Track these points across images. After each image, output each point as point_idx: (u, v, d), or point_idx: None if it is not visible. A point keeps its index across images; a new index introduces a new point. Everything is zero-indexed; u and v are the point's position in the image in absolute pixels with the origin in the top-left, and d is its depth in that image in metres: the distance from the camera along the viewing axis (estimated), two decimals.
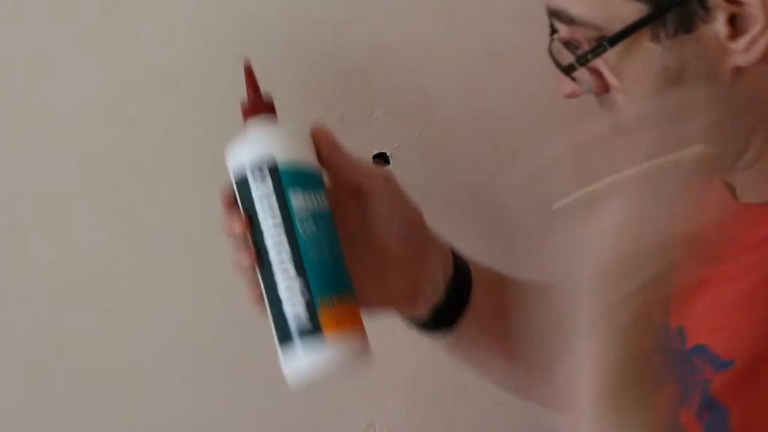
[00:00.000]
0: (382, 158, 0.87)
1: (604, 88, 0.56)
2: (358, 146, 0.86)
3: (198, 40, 0.80)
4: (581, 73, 0.56)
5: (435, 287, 0.71)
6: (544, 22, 0.84)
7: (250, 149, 0.63)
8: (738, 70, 0.51)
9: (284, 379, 0.64)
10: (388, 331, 0.96)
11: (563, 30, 0.56)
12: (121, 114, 0.82)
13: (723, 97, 0.52)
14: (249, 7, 0.80)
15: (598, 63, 0.54)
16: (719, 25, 0.49)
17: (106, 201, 0.84)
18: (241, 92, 0.83)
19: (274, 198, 0.60)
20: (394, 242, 0.68)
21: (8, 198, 0.83)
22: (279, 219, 0.60)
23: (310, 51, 0.82)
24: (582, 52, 0.53)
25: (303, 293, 0.59)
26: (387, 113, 0.85)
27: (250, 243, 0.61)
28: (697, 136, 0.54)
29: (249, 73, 0.67)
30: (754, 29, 0.49)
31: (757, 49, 0.49)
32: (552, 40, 0.57)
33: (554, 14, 0.55)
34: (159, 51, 0.80)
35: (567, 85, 0.58)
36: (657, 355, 0.61)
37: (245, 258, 0.61)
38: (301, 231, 0.60)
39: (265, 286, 0.61)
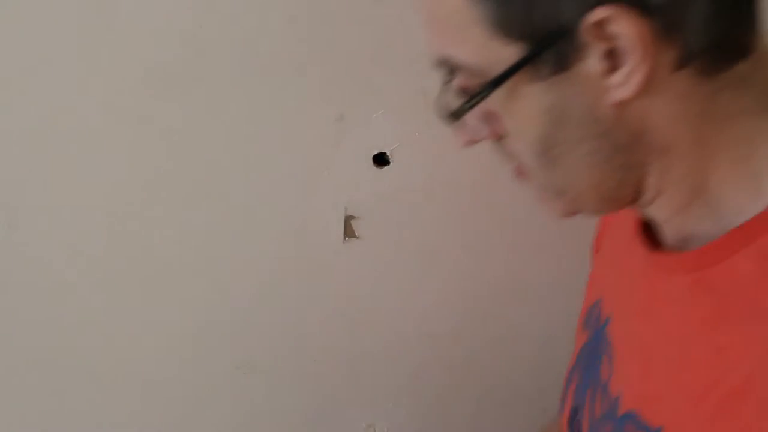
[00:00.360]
0: (382, 158, 0.87)
1: (496, 135, 0.56)
2: (358, 146, 0.86)
3: (198, 40, 0.80)
4: (475, 121, 0.56)
5: None
6: None
7: None
8: (619, 105, 0.50)
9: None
10: (388, 331, 0.96)
11: (456, 78, 0.56)
12: (120, 113, 0.82)
13: (607, 134, 0.51)
14: (249, 8, 0.80)
15: (490, 108, 0.54)
16: (594, 62, 0.48)
17: (106, 200, 0.84)
18: (240, 91, 0.83)
19: None
20: None
21: (8, 198, 0.83)
22: None
23: (310, 51, 0.82)
24: (467, 98, 0.53)
25: None
26: (387, 113, 0.85)
27: None
28: (578, 172, 0.53)
29: None
30: (630, 63, 0.48)
31: (633, 83, 0.48)
32: (444, 90, 0.57)
33: (441, 63, 0.55)
34: (159, 51, 0.80)
35: (463, 133, 0.58)
36: (604, 423, 0.60)
37: None
38: None
39: None
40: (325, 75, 0.83)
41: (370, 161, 0.87)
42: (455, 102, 0.54)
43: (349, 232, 0.89)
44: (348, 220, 0.89)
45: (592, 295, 0.72)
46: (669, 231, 0.57)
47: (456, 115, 0.54)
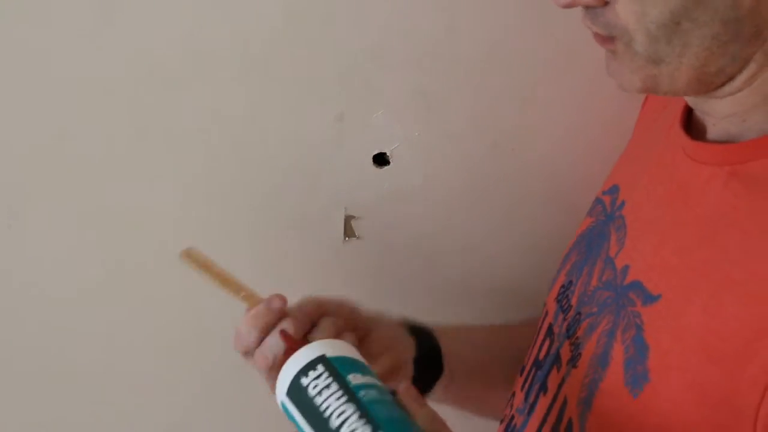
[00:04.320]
0: (382, 158, 0.87)
1: (602, 1, 0.56)
2: (358, 146, 0.86)
3: (198, 40, 0.80)
4: None
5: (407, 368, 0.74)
6: (544, 22, 0.84)
7: (297, 361, 0.60)
8: None
9: None
10: None
11: None
12: (119, 113, 0.82)
13: (736, 22, 0.53)
14: (249, 7, 0.80)
15: None
16: None
17: (106, 200, 0.84)
18: (240, 91, 0.83)
19: (334, 382, 0.57)
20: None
21: (8, 198, 0.83)
22: (345, 397, 0.56)
23: (310, 51, 0.82)
24: None
25: None
26: (387, 113, 0.85)
27: None
28: (691, 50, 0.55)
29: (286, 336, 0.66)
30: None
31: None
32: None
33: None
34: (158, 50, 0.80)
35: None
36: (603, 291, 0.64)
37: None
38: (365, 398, 0.56)
39: None
40: (325, 75, 0.83)
41: (370, 161, 0.87)
42: None
43: (349, 232, 0.89)
44: (348, 220, 0.89)
45: (607, 183, 0.76)
46: (720, 126, 0.60)
47: None
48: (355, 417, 0.55)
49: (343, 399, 0.56)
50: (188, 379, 0.93)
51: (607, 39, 0.58)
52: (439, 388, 0.77)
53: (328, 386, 0.57)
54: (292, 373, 0.60)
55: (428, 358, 0.75)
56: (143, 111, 0.82)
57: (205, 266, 0.70)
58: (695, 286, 0.55)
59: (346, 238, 0.89)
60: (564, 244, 0.93)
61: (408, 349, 0.74)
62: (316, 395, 0.57)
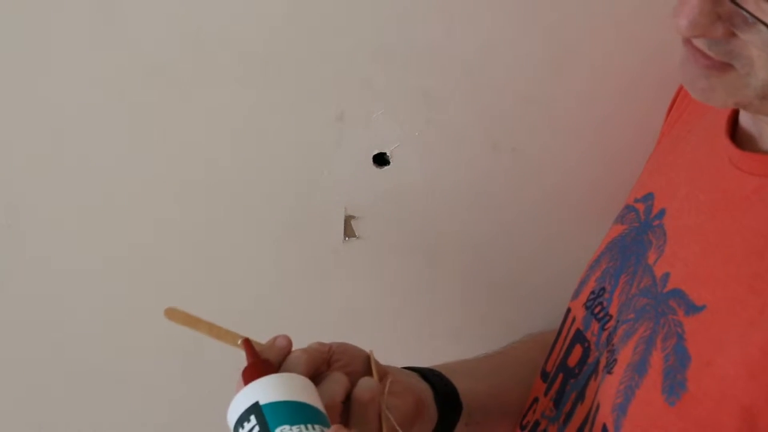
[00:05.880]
0: (382, 158, 0.87)
1: (729, 34, 0.53)
2: (358, 146, 0.86)
3: (198, 40, 0.80)
4: (715, 17, 0.53)
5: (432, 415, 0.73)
6: (544, 21, 0.84)
7: (236, 407, 0.62)
8: None
9: None
10: (388, 331, 0.96)
11: None
12: (120, 113, 0.82)
13: None
14: (249, 7, 0.80)
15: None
16: None
17: (106, 200, 0.84)
18: (240, 91, 0.83)
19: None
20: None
21: (8, 198, 0.83)
22: None
23: (310, 51, 0.82)
24: None
25: None
26: (387, 113, 0.85)
27: None
28: None
29: (248, 346, 0.67)
30: None
31: None
32: None
33: None
34: (158, 50, 0.80)
35: (694, 28, 0.53)
36: (640, 298, 0.64)
37: None
38: None
39: None
40: (325, 74, 0.83)
41: (370, 161, 0.87)
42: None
43: (349, 232, 0.89)
44: (348, 220, 0.89)
45: (639, 190, 0.75)
46: None
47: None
48: None
49: None
50: (189, 379, 0.93)
51: (717, 64, 0.55)
52: (460, 426, 0.75)
53: None
54: (233, 420, 0.61)
55: (446, 399, 0.74)
56: (143, 111, 0.82)
57: (192, 322, 0.69)
58: (742, 299, 0.55)
59: (346, 238, 0.89)
60: (564, 243, 0.93)
61: (426, 391, 0.72)
62: None
